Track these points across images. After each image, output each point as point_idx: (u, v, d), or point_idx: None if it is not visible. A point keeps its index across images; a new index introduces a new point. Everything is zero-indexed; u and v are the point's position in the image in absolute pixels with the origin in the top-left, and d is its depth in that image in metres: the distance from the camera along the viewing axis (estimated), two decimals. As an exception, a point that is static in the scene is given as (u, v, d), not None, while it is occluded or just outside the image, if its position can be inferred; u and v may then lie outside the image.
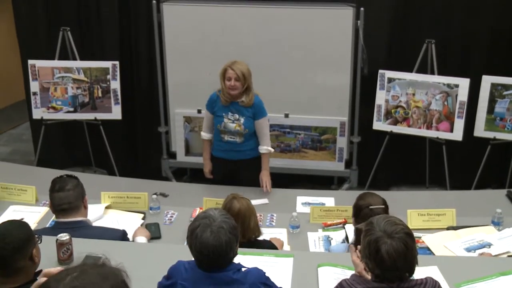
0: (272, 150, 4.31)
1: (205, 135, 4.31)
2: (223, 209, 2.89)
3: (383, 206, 3.02)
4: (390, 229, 2.17)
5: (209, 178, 4.37)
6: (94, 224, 3.36)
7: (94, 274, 1.53)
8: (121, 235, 3.20)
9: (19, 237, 2.31)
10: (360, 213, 3.03)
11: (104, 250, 2.95)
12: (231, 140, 4.13)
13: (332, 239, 3.53)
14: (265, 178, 4.19)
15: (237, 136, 4.11)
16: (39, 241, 2.46)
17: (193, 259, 2.39)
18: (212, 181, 4.34)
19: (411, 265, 2.19)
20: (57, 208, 3.11)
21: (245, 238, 3.07)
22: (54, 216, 3.69)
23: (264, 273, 2.43)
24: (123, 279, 1.58)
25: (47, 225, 3.57)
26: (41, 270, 2.39)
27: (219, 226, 2.30)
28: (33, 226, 3.39)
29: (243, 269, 2.38)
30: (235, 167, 4.21)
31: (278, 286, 2.49)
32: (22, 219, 3.48)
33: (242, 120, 4.08)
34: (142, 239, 3.36)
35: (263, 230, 3.31)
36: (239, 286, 2.31)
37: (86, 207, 3.21)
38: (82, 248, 2.92)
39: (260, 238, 3.25)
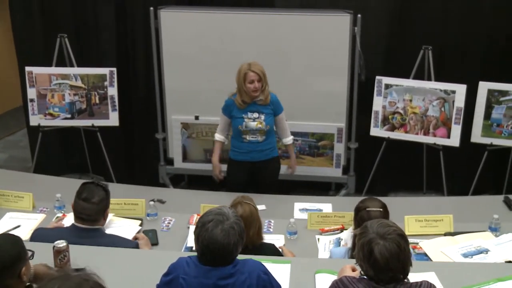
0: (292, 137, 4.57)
1: (218, 136, 4.37)
2: None
3: (380, 209, 3.04)
4: (383, 231, 2.21)
5: (219, 180, 4.44)
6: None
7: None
8: (134, 247, 3.22)
9: (10, 254, 2.21)
10: (358, 215, 3.08)
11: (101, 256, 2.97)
12: (253, 140, 4.18)
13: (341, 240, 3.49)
14: (295, 165, 4.55)
15: (259, 135, 4.17)
16: (31, 258, 2.34)
17: (194, 254, 2.41)
18: (232, 184, 4.33)
19: (404, 266, 2.21)
20: (77, 214, 3.11)
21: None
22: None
23: (261, 263, 2.47)
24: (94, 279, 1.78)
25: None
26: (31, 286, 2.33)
27: (231, 226, 2.34)
28: (29, 233, 3.38)
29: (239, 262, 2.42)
30: (255, 169, 4.26)
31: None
32: (19, 226, 3.48)
33: (262, 117, 4.15)
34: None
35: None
36: (239, 276, 2.35)
37: (105, 219, 3.22)
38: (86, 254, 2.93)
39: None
